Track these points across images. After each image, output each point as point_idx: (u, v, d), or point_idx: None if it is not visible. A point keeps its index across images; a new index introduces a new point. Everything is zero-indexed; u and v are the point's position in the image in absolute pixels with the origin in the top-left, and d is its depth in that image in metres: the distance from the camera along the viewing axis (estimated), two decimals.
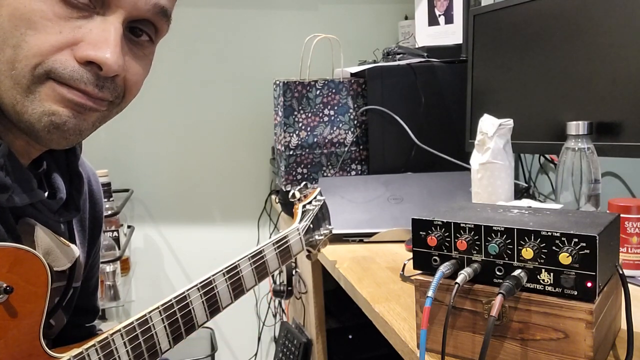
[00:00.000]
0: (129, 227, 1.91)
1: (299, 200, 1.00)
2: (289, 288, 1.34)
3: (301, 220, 0.95)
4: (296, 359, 1.51)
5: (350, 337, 1.60)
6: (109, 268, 1.62)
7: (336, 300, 1.56)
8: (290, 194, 1.01)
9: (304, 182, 1.06)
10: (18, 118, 0.52)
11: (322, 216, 1.02)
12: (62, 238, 0.62)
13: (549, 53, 1.16)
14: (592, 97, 1.07)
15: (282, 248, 0.85)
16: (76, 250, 0.64)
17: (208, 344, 2.01)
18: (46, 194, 0.62)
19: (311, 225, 0.96)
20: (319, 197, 1.03)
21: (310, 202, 1.00)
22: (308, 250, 0.97)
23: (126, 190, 1.91)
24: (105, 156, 1.92)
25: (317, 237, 0.98)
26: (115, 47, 0.52)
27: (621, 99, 1.02)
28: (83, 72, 0.52)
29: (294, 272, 1.53)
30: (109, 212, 1.61)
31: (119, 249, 1.68)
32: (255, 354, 2.15)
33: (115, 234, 1.70)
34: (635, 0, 0.99)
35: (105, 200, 1.67)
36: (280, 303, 2.09)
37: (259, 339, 2.15)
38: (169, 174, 2.03)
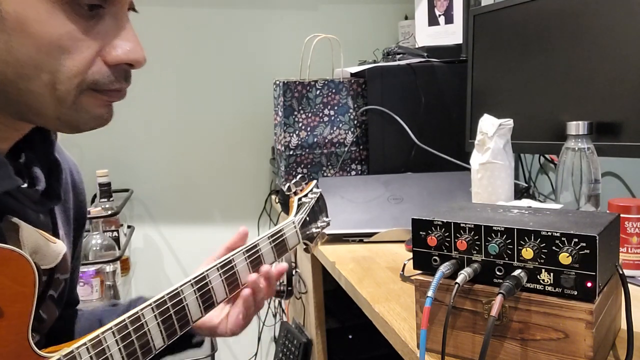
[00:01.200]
0: (129, 227, 1.90)
1: (295, 193, 0.99)
2: (289, 288, 1.34)
3: (297, 213, 0.93)
4: (296, 359, 1.51)
5: (350, 337, 1.60)
6: (109, 268, 1.62)
7: (336, 300, 1.55)
8: (286, 187, 1.00)
9: (299, 175, 1.03)
10: (63, 125, 0.57)
11: (319, 209, 1.00)
12: (48, 235, 0.62)
13: (549, 53, 1.16)
14: (592, 97, 1.07)
15: (277, 241, 0.84)
16: (62, 246, 0.64)
17: (208, 344, 2.00)
18: (25, 185, 0.62)
19: (307, 218, 0.95)
20: (315, 190, 1.01)
21: (306, 195, 0.98)
22: (305, 244, 0.96)
23: (126, 190, 1.91)
24: (105, 156, 1.92)
25: (314, 229, 0.97)
26: (138, 42, 0.56)
27: (621, 99, 1.02)
28: (117, 75, 0.57)
29: (294, 272, 1.53)
30: (109, 212, 1.61)
31: (119, 249, 1.68)
32: (255, 354, 2.15)
33: (115, 234, 1.69)
34: (635, 0, 0.99)
35: (105, 200, 1.67)
36: (280, 303, 2.09)
37: (259, 339, 2.15)
38: (169, 174, 2.03)
